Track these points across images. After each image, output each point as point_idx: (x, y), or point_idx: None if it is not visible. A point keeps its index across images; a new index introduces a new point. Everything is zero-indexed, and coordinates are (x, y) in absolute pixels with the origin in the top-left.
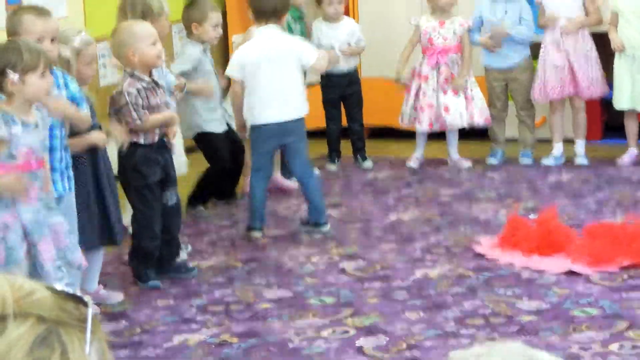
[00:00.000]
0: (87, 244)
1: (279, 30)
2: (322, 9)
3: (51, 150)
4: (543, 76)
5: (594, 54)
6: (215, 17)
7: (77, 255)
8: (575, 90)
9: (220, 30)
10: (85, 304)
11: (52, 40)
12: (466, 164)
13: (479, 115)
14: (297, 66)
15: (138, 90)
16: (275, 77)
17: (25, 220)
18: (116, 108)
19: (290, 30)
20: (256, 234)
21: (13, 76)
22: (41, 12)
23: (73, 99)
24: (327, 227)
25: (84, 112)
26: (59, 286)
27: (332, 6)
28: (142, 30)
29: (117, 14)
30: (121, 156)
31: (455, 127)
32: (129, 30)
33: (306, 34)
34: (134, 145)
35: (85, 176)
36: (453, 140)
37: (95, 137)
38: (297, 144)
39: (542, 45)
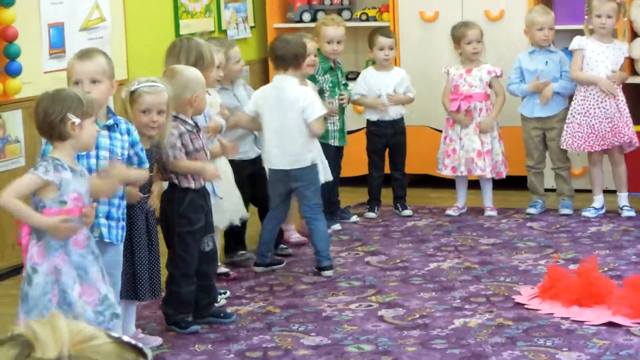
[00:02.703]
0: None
1: (295, 79)
2: (374, 54)
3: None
4: (573, 127)
5: (624, 105)
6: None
7: (116, 305)
8: (608, 143)
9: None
10: (145, 356)
11: (94, 82)
12: (490, 212)
13: (492, 169)
14: (300, 118)
15: (181, 135)
16: (277, 126)
17: (74, 263)
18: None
19: (314, 81)
20: (257, 269)
21: (75, 119)
22: (82, 55)
23: (133, 145)
24: (330, 272)
25: (143, 171)
26: (126, 337)
27: (382, 52)
28: (201, 77)
29: (165, 57)
30: (166, 200)
31: (481, 175)
32: (191, 75)
33: (339, 85)
34: (183, 190)
35: (139, 226)
36: (485, 188)
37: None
38: (303, 190)
39: (574, 98)
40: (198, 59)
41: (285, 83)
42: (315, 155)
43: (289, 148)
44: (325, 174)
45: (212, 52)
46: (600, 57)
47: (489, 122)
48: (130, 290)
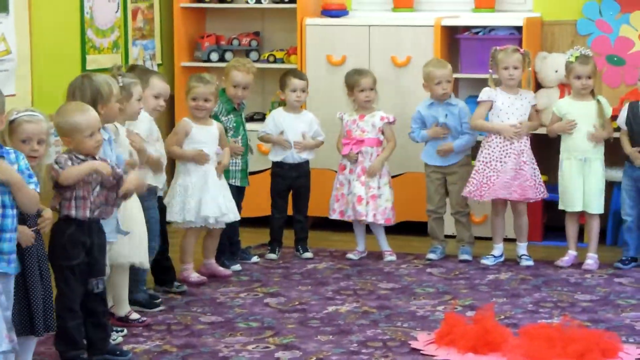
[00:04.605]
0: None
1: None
2: (285, 95)
3: (2, 230)
4: (480, 176)
5: (530, 157)
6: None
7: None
8: (514, 194)
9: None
10: None
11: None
12: (389, 257)
13: (381, 215)
14: None
15: (71, 159)
16: None
17: None
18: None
19: (217, 120)
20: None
21: None
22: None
23: (21, 173)
24: None
25: (32, 190)
26: None
27: (295, 93)
28: (83, 121)
29: (66, 97)
30: (52, 231)
31: (364, 219)
32: (69, 119)
33: (243, 124)
34: (64, 220)
35: (31, 259)
36: (378, 232)
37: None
38: None
39: (480, 147)
40: (94, 95)
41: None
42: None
43: None
44: (231, 213)
45: (112, 86)
46: (510, 109)
47: (377, 165)
48: (26, 325)
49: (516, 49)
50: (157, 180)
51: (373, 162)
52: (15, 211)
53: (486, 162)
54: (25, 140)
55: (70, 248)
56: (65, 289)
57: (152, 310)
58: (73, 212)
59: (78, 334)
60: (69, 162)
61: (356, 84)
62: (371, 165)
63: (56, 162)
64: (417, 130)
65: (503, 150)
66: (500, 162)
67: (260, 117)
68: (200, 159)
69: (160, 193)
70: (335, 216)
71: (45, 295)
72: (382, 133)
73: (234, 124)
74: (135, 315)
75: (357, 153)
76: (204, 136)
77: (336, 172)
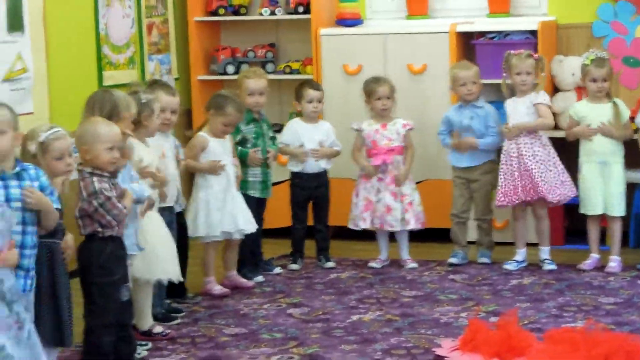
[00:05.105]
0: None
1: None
2: (301, 106)
3: (22, 246)
4: (504, 183)
5: (553, 159)
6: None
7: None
8: (536, 196)
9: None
10: None
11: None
12: (411, 264)
13: (416, 220)
14: None
15: (111, 186)
16: None
17: None
18: (92, 210)
19: (237, 131)
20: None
21: None
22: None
23: (43, 190)
24: None
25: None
26: None
27: (311, 104)
28: (105, 132)
29: (83, 111)
30: (85, 251)
31: (393, 229)
32: (93, 128)
33: (264, 135)
34: (103, 240)
35: (43, 272)
36: (402, 240)
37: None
38: None
39: (502, 153)
40: (112, 110)
41: None
42: None
43: None
44: (248, 225)
45: (129, 104)
46: (513, 113)
47: (405, 174)
48: (57, 336)
49: (530, 54)
50: (170, 199)
51: (401, 171)
52: (35, 228)
53: (514, 167)
54: (60, 157)
55: (112, 265)
56: (105, 304)
57: (170, 324)
58: (109, 231)
59: (110, 350)
60: (114, 192)
61: (373, 92)
62: (399, 174)
63: (101, 191)
64: (445, 133)
65: (507, 154)
66: (506, 165)
67: (279, 129)
68: (215, 169)
69: (178, 209)
70: (365, 225)
71: (61, 310)
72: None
73: (254, 135)
74: (158, 329)
75: (382, 164)
76: (220, 149)
77: (354, 180)
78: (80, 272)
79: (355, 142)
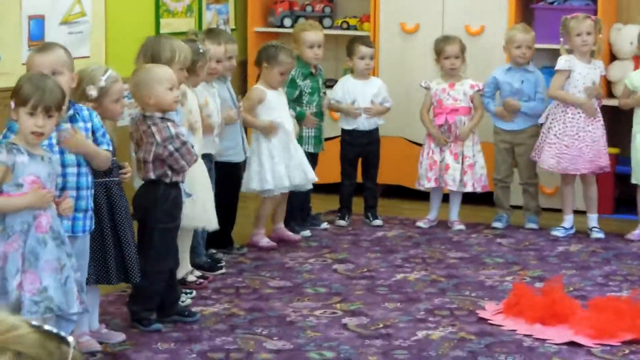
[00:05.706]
0: (100, 280)
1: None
2: (353, 63)
3: (78, 188)
4: (559, 148)
5: (603, 129)
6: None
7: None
8: (589, 166)
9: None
10: (68, 344)
11: (54, 73)
12: (458, 226)
13: (477, 182)
14: None
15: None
16: None
17: (28, 247)
18: (167, 155)
19: (294, 87)
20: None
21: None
22: (41, 48)
23: (95, 131)
24: None
25: (104, 151)
26: (47, 326)
27: (363, 61)
28: (161, 73)
29: (136, 57)
30: (147, 196)
31: (450, 188)
32: (147, 72)
33: (320, 90)
34: (169, 186)
35: (102, 213)
36: (454, 201)
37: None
38: None
39: (551, 117)
40: (154, 57)
41: None
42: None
43: None
44: (314, 175)
45: (176, 51)
46: (587, 79)
47: (466, 132)
48: (102, 274)
49: (587, 16)
50: (209, 147)
51: (462, 130)
52: (89, 168)
53: (569, 135)
54: (117, 99)
55: (176, 210)
56: (165, 250)
57: (215, 273)
58: (176, 176)
59: (157, 297)
60: (182, 130)
61: (442, 51)
62: (462, 131)
63: (177, 136)
64: (490, 95)
65: (578, 124)
66: (583, 135)
67: (333, 84)
68: (270, 130)
69: (218, 158)
70: (429, 185)
71: (125, 246)
72: (471, 101)
73: (310, 90)
74: (192, 277)
75: (449, 128)
76: (276, 102)
77: (410, 140)
78: (140, 216)
79: (424, 100)
